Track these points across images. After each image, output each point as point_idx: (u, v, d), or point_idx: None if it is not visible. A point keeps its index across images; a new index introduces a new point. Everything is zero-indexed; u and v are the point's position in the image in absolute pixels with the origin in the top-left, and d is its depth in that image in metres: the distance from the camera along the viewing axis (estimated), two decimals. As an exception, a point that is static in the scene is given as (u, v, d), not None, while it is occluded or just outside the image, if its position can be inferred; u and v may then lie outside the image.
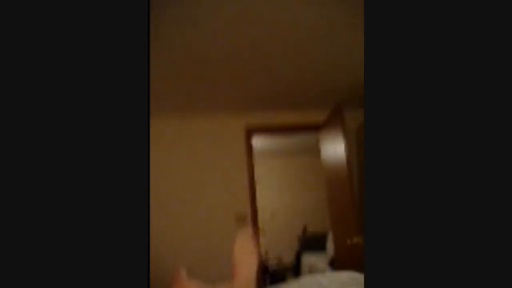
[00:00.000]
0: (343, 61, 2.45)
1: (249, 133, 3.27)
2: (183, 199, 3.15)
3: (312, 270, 4.76)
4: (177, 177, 3.18)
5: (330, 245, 4.54)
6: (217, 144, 3.29)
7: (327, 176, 3.11)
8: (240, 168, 3.25)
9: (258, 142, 5.54)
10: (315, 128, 3.25)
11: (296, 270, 5.62)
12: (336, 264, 3.10)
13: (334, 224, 3.02)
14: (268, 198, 6.93)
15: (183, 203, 3.15)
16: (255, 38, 2.08)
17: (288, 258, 6.04)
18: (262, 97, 3.04)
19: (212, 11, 1.79)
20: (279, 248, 6.57)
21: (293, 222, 6.68)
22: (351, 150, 3.29)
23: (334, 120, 2.75)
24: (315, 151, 4.44)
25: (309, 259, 5.08)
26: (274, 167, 7.08)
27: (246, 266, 1.11)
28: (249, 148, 3.26)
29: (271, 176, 7.06)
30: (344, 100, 3.07)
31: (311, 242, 5.61)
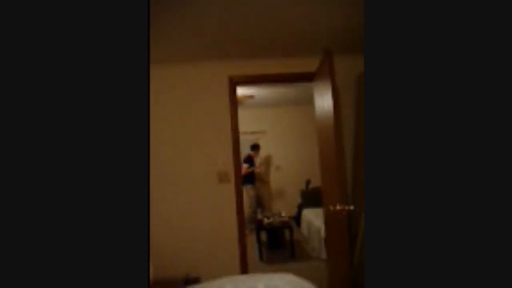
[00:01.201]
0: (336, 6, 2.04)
1: (233, 82, 2.92)
2: (165, 153, 2.93)
3: (309, 226, 4.64)
4: (159, 130, 2.94)
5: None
6: (203, 94, 2.99)
7: (318, 131, 2.78)
8: (226, 119, 2.97)
9: (261, 92, 5.22)
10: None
11: (297, 223, 5.56)
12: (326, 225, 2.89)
13: (323, 185, 2.76)
14: (274, 150, 6.72)
15: (165, 157, 2.93)
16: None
17: (293, 211, 5.95)
18: (252, 46, 2.67)
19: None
20: (283, 201, 6.48)
21: (298, 175, 6.49)
22: (341, 103, 2.92)
23: (323, 68, 2.35)
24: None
25: (308, 214, 4.94)
26: (280, 116, 6.75)
27: None
28: (233, 98, 2.94)
29: (276, 127, 6.76)
30: (339, 47, 2.63)
31: (313, 197, 5.43)
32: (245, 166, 5.59)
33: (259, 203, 6.10)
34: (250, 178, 5.77)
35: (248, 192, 5.73)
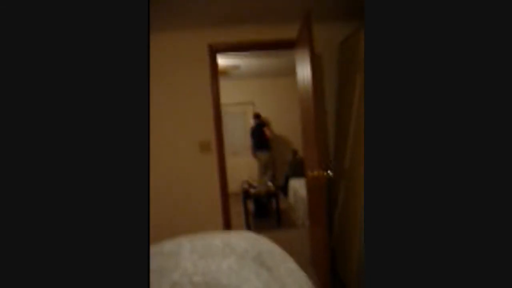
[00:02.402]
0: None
1: (213, 50, 2.85)
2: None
3: (296, 194, 4.70)
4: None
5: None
6: (183, 63, 2.91)
7: (299, 99, 2.76)
8: (207, 90, 2.91)
9: (246, 62, 5.13)
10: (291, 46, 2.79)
11: (284, 192, 5.65)
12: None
13: (304, 153, 2.76)
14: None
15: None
16: None
17: (280, 181, 6.03)
18: (233, 12, 2.58)
19: None
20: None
21: (286, 145, 6.53)
22: (324, 70, 2.88)
23: (303, 34, 2.29)
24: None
25: (294, 183, 5.00)
26: (267, 88, 6.69)
27: None
28: (214, 67, 2.87)
29: (264, 97, 6.72)
30: (319, 12, 2.56)
31: (300, 167, 5.48)
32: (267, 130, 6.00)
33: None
34: (264, 144, 5.95)
35: (260, 158, 5.87)
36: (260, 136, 6.00)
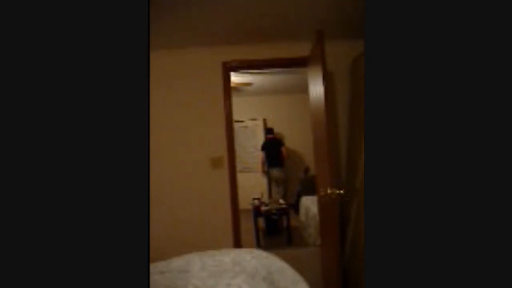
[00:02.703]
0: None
1: (227, 67, 2.89)
2: (158, 141, 2.91)
3: (307, 212, 4.64)
4: (152, 118, 2.91)
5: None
6: (196, 80, 2.95)
7: (311, 116, 2.75)
8: (220, 107, 2.94)
9: (259, 79, 5.18)
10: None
11: (295, 210, 5.58)
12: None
13: (316, 171, 2.74)
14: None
15: (161, 145, 2.91)
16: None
17: (292, 199, 5.97)
18: (246, 31, 2.64)
19: None
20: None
21: (297, 163, 6.49)
22: (336, 87, 2.88)
23: (316, 51, 2.31)
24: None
25: (306, 200, 4.94)
26: (279, 104, 6.72)
27: None
28: (227, 84, 2.90)
29: (275, 115, 6.74)
30: (333, 31, 2.58)
31: (312, 184, 5.42)
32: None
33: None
34: (279, 161, 5.92)
35: (272, 175, 5.86)
36: (275, 153, 5.97)
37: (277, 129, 6.52)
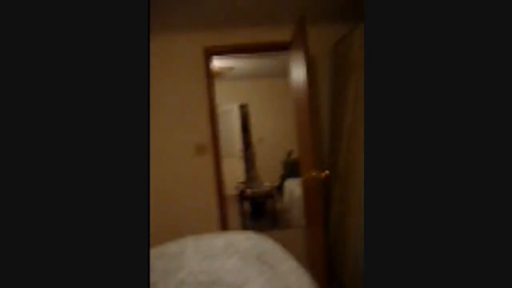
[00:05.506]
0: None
1: (208, 53, 2.87)
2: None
3: (291, 195, 4.74)
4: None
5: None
6: (178, 65, 2.92)
7: (294, 100, 2.79)
8: (202, 92, 2.93)
9: (241, 64, 5.16)
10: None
11: (280, 193, 5.68)
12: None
13: (300, 154, 2.80)
14: (256, 122, 6.74)
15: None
16: None
17: (275, 182, 6.05)
18: (228, 15, 2.61)
19: None
20: (267, 172, 6.57)
21: (280, 146, 6.55)
22: (318, 71, 2.92)
23: (297, 36, 2.33)
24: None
25: (290, 184, 5.03)
26: (261, 89, 6.72)
27: None
28: (209, 69, 2.89)
29: (258, 99, 6.75)
30: (313, 13, 2.60)
31: (295, 167, 5.52)
32: None
33: None
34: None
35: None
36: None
37: (258, 114, 6.56)
